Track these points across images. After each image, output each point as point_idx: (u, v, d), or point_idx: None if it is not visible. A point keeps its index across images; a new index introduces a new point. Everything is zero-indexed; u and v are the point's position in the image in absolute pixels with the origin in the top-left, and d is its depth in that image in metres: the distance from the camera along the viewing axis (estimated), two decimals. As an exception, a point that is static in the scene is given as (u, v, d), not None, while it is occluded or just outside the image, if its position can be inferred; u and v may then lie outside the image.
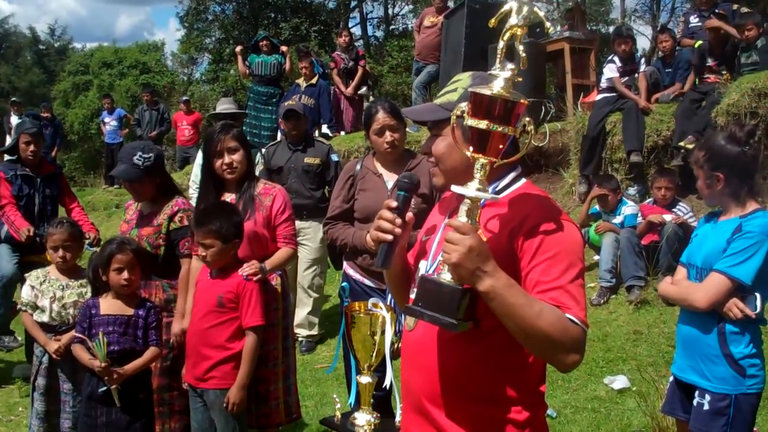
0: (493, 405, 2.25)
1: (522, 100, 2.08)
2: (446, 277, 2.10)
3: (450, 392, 2.27)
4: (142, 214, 4.87)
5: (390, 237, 2.26)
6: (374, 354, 3.58)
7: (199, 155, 8.58)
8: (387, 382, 3.44)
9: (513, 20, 2.10)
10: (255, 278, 4.27)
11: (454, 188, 2.14)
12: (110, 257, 4.37)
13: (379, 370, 3.60)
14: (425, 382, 2.29)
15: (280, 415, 4.71)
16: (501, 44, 2.12)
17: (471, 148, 2.13)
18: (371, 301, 3.70)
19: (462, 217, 2.11)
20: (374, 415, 3.59)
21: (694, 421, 3.65)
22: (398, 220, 2.27)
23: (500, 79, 2.08)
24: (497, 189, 2.31)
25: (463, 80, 2.34)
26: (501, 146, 2.11)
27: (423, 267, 2.37)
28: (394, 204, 2.28)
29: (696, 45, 9.73)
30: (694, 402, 3.67)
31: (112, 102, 19.08)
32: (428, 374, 2.28)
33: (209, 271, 4.35)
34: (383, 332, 3.55)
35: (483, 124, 2.06)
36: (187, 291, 4.62)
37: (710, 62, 9.24)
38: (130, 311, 4.41)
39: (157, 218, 4.79)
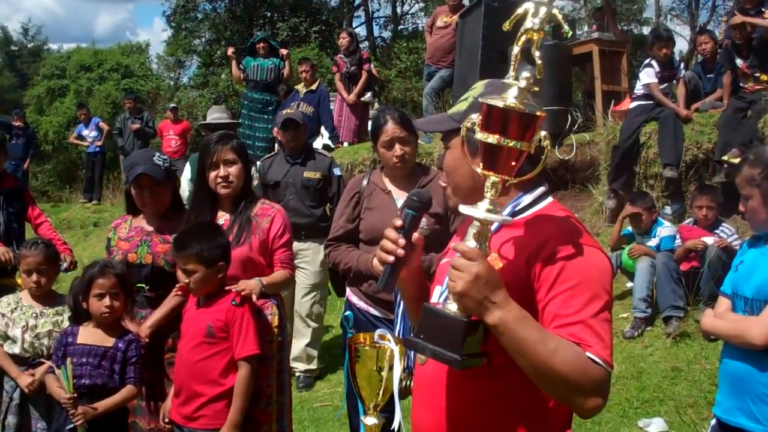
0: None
1: (538, 113, 2.05)
2: (452, 307, 2.09)
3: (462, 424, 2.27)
4: (146, 231, 4.81)
5: (392, 258, 2.27)
6: (381, 392, 3.53)
7: (187, 168, 8.63)
8: (395, 424, 3.40)
9: (529, 23, 2.09)
10: (250, 294, 4.28)
11: (462, 209, 2.14)
12: (91, 282, 4.35)
13: (387, 411, 3.56)
14: (435, 422, 2.29)
15: None
16: (516, 50, 2.10)
17: (481, 165, 2.12)
18: (378, 332, 3.64)
19: (470, 241, 2.09)
20: None
21: None
22: (402, 241, 2.28)
23: (514, 89, 2.07)
24: (518, 209, 2.30)
25: (477, 88, 2.37)
26: (514, 163, 2.09)
27: (436, 293, 2.39)
28: (399, 223, 2.30)
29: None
30: None
31: (89, 112, 19.12)
32: (439, 413, 2.28)
33: (196, 299, 4.32)
34: (391, 368, 3.50)
35: (493, 139, 2.05)
36: (170, 303, 4.61)
37: (740, 63, 9.22)
38: (110, 342, 4.38)
39: (171, 234, 4.72)
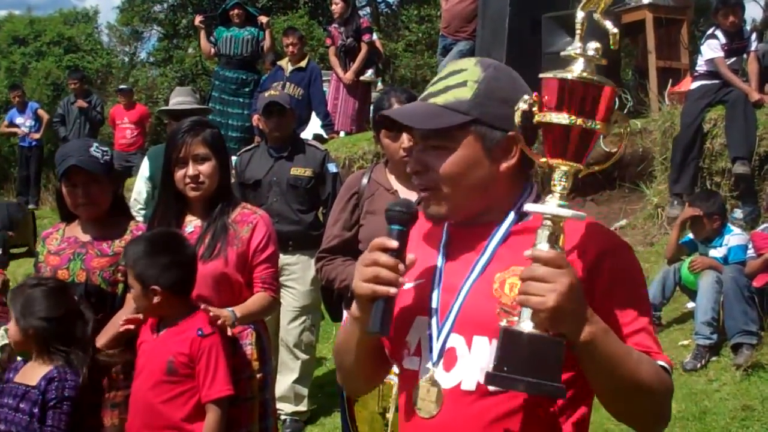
0: None
1: (611, 86, 2.14)
2: (527, 326, 2.08)
3: None
4: (80, 241, 4.71)
5: (394, 290, 2.19)
6: None
7: (145, 164, 8.63)
8: None
9: None
10: (224, 326, 4.22)
11: (530, 207, 2.19)
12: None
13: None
14: None
15: None
16: (581, 15, 2.17)
17: (547, 154, 2.19)
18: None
19: (543, 245, 2.11)
20: None
21: None
22: (401, 267, 2.23)
23: (580, 62, 2.13)
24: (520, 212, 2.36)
25: (470, 71, 2.35)
26: (588, 147, 2.17)
27: (433, 326, 2.34)
28: (395, 244, 2.21)
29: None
30: None
31: (24, 95, 18.91)
32: None
33: (152, 325, 4.27)
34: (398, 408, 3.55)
35: (566, 119, 2.11)
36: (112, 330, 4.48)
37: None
38: (34, 381, 4.27)
39: (110, 245, 4.68)
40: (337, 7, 13.57)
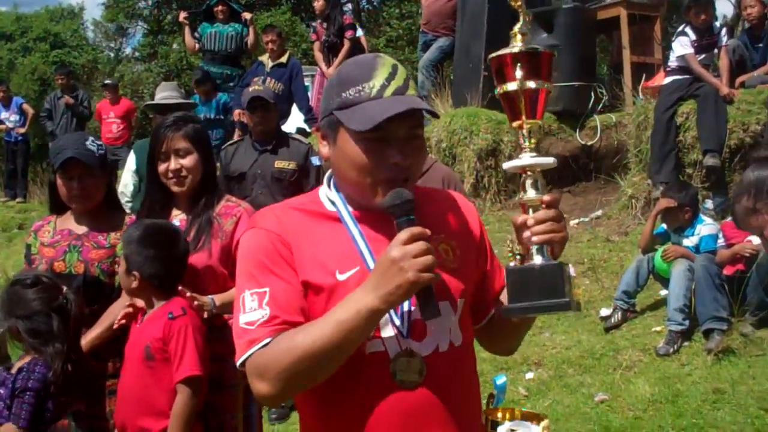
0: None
1: (548, 51, 2.46)
2: (538, 261, 2.36)
3: (472, 426, 2.55)
4: (75, 234, 4.69)
5: (438, 275, 2.25)
6: None
7: (131, 158, 8.65)
8: None
9: None
10: (200, 310, 4.24)
11: (508, 164, 2.46)
12: None
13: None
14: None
15: None
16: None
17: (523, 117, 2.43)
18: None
19: (531, 192, 2.39)
20: None
21: None
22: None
23: (519, 38, 2.43)
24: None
25: (401, 69, 2.46)
26: (540, 104, 2.43)
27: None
28: (427, 231, 2.24)
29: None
30: None
31: (9, 90, 18.67)
32: (452, 421, 2.42)
33: (142, 312, 4.34)
34: None
35: (534, 83, 2.39)
36: (108, 320, 4.52)
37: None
38: (14, 369, 4.33)
39: (106, 237, 4.67)
40: (318, 4, 13.60)
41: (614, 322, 8.34)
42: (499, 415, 3.42)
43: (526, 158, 2.40)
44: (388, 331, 2.36)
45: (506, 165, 2.50)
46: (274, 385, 2.26)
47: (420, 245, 2.17)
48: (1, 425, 4.22)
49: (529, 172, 2.40)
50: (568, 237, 2.42)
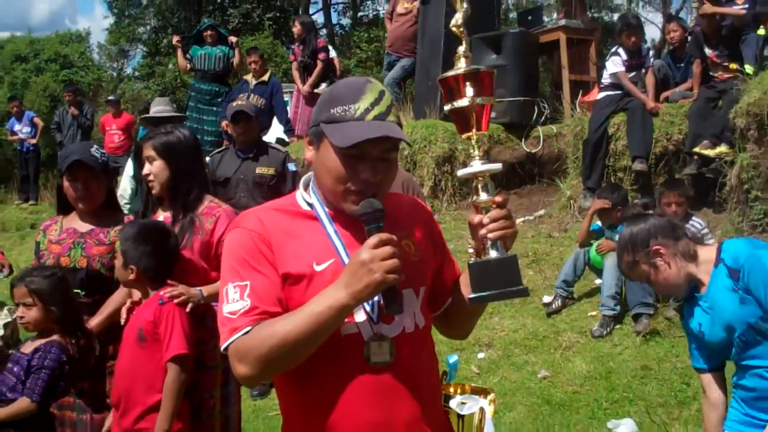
0: (441, 405, 2.69)
1: (489, 70, 2.49)
2: (493, 255, 2.41)
3: (434, 400, 2.58)
4: (79, 232, 4.72)
5: (401, 275, 2.27)
6: None
7: (129, 165, 8.62)
8: None
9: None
10: (176, 300, 4.20)
11: (462, 171, 2.48)
12: (11, 290, 4.44)
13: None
14: (415, 405, 2.44)
15: None
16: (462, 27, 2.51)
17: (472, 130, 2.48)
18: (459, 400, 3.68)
19: (483, 195, 2.44)
20: None
21: None
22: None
23: (462, 61, 2.46)
24: None
25: (386, 92, 2.48)
26: (485, 117, 2.48)
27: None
28: (394, 237, 2.27)
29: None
30: None
31: (21, 105, 18.55)
32: (417, 398, 2.44)
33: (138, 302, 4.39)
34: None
35: (466, 101, 2.43)
36: (109, 308, 4.60)
37: (709, 53, 9.50)
38: (28, 350, 4.44)
39: (106, 235, 4.69)
40: (296, 29, 13.56)
41: (555, 307, 8.37)
42: (452, 390, 3.49)
43: (477, 165, 2.44)
44: (360, 317, 2.39)
45: (460, 172, 2.54)
46: (254, 367, 2.28)
47: (387, 250, 2.21)
48: (14, 399, 4.30)
49: (479, 178, 2.44)
50: (518, 232, 2.48)
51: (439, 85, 2.52)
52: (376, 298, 2.35)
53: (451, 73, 2.44)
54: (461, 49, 2.46)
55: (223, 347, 2.35)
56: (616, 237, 7.92)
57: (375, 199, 2.34)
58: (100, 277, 4.64)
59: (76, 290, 4.63)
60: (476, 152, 2.46)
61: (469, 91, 2.41)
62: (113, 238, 4.63)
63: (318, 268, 2.38)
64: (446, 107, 2.49)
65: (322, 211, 2.48)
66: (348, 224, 2.45)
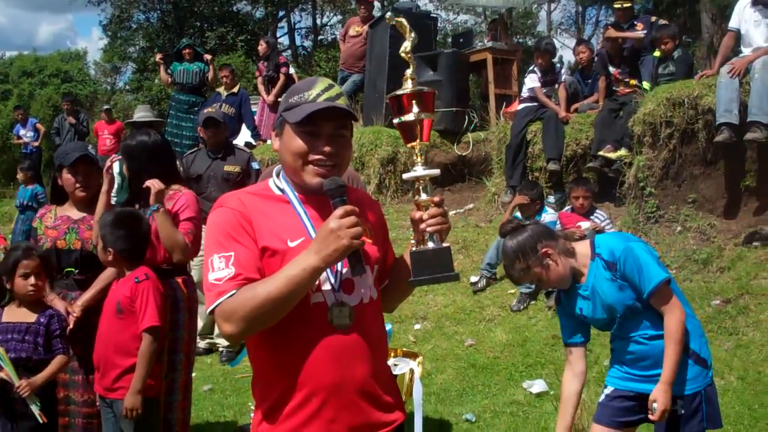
0: (388, 367, 2.69)
1: (430, 90, 2.54)
2: (431, 245, 2.46)
3: (384, 362, 2.63)
4: (72, 219, 4.75)
5: (364, 241, 2.35)
6: None
7: (117, 163, 8.51)
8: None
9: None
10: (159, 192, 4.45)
11: (407, 174, 2.51)
12: (16, 263, 4.32)
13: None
14: (369, 366, 2.46)
15: (158, 430, 4.52)
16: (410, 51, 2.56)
17: (416, 140, 2.51)
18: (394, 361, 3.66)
19: (424, 195, 2.49)
20: None
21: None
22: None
23: (409, 82, 2.50)
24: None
25: (336, 86, 2.51)
26: (427, 129, 2.52)
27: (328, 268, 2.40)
28: (350, 208, 2.30)
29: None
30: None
31: (25, 113, 18.54)
32: (371, 359, 2.47)
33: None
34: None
35: (412, 116, 2.47)
36: (99, 284, 4.61)
37: (613, 71, 9.60)
38: (32, 318, 4.37)
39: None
40: (261, 48, 13.51)
41: (480, 286, 8.39)
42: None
43: (419, 170, 2.49)
44: (326, 287, 2.42)
45: (405, 176, 2.55)
46: (238, 325, 2.29)
47: (352, 219, 2.26)
48: (40, 360, 4.33)
49: (421, 180, 2.50)
50: (451, 226, 2.53)
51: (389, 101, 2.56)
52: (339, 269, 2.43)
53: (400, 92, 2.48)
54: (408, 71, 2.49)
55: (209, 309, 2.33)
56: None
57: (337, 177, 2.40)
58: (91, 257, 4.64)
59: (69, 269, 4.72)
60: (419, 159, 2.51)
61: (415, 108, 2.46)
62: None
63: (291, 245, 2.40)
64: (395, 120, 2.53)
65: (292, 195, 2.50)
66: (316, 206, 2.47)
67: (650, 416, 3.55)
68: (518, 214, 8.32)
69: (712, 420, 3.62)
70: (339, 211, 2.26)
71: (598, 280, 3.66)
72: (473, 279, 8.53)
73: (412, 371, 3.66)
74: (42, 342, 4.33)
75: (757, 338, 6.48)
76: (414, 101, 2.46)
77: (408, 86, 2.48)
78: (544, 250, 3.66)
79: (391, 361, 3.62)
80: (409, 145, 2.53)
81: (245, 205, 2.44)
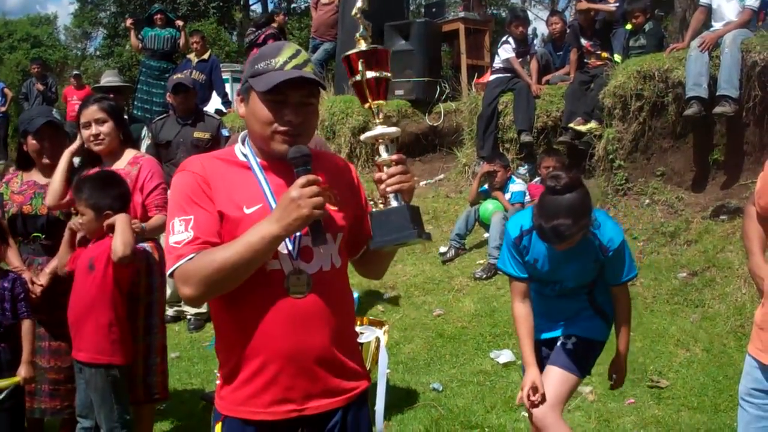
0: (352, 331, 2.65)
1: (385, 48, 2.47)
2: (394, 203, 2.36)
3: (347, 330, 2.57)
4: (39, 184, 4.67)
5: (327, 211, 2.33)
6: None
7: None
8: (379, 406, 3.46)
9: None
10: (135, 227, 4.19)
11: (366, 134, 2.42)
12: None
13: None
14: (328, 334, 2.43)
15: (139, 393, 4.51)
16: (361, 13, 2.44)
17: (371, 99, 2.43)
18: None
19: (384, 154, 2.39)
20: None
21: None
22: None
23: (363, 43, 2.41)
24: None
25: (303, 53, 2.46)
26: (385, 88, 2.44)
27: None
28: (312, 177, 2.27)
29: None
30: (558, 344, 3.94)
31: None
32: (331, 327, 2.43)
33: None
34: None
35: (377, 73, 2.39)
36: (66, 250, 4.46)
37: (585, 43, 9.56)
38: None
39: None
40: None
41: (449, 256, 8.38)
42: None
43: (378, 129, 2.40)
44: (284, 253, 2.38)
45: (363, 136, 2.50)
46: (197, 289, 2.29)
47: (314, 189, 2.23)
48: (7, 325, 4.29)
49: (380, 140, 2.40)
50: (415, 186, 2.43)
51: (343, 63, 2.46)
52: (297, 236, 2.38)
53: (351, 51, 2.39)
54: (359, 33, 2.40)
55: (168, 272, 2.33)
56: (507, 196, 8.00)
57: (303, 145, 2.36)
58: (57, 222, 4.59)
59: (36, 234, 4.66)
60: (376, 119, 2.42)
61: (366, 67, 2.37)
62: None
63: (247, 211, 2.37)
64: (350, 81, 2.45)
65: (254, 162, 2.45)
66: (279, 173, 2.43)
67: (527, 399, 3.73)
68: (486, 185, 8.32)
69: (587, 369, 3.95)
70: (301, 179, 2.24)
71: (583, 250, 3.66)
72: (442, 249, 8.51)
73: (378, 339, 3.63)
74: (9, 307, 4.27)
75: (722, 311, 6.51)
76: (363, 60, 2.37)
77: (362, 47, 2.39)
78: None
79: (357, 329, 3.58)
80: (365, 106, 2.45)
81: (206, 168, 2.42)
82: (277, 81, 2.30)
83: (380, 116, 2.43)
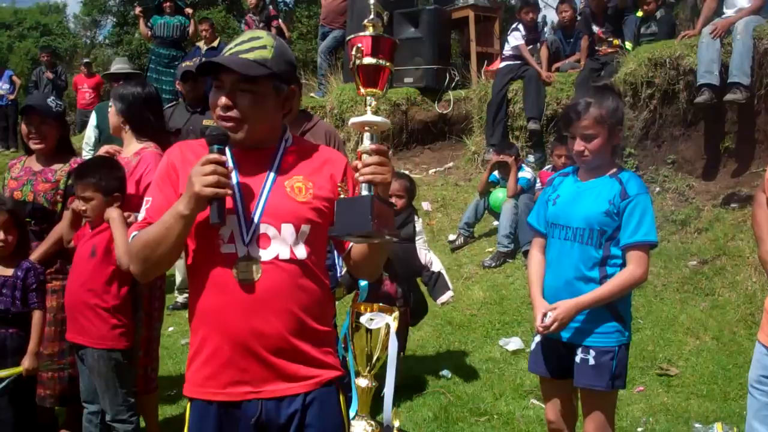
0: (322, 323, 2.51)
1: (392, 38, 2.40)
2: (364, 192, 2.30)
3: (310, 320, 2.46)
4: (33, 171, 4.68)
5: (230, 192, 2.31)
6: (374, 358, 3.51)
7: (93, 116, 8.37)
8: (388, 391, 3.43)
9: None
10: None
11: (354, 119, 2.37)
12: None
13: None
14: (283, 322, 2.40)
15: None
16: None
17: (363, 87, 2.38)
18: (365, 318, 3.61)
19: (367, 143, 2.34)
20: (373, 425, 3.47)
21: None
22: (232, 171, 2.37)
23: (371, 29, 2.36)
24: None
25: (265, 38, 2.44)
26: (383, 77, 2.38)
27: (242, 221, 2.41)
28: (224, 158, 2.30)
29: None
30: (578, 359, 3.64)
31: (1, 64, 18.34)
32: (288, 316, 2.40)
33: (89, 227, 4.14)
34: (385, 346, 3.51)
35: (376, 61, 2.34)
36: (54, 237, 4.48)
37: (596, 30, 9.51)
38: (9, 272, 4.29)
39: (53, 174, 4.64)
40: (251, 0, 13.43)
41: (458, 244, 8.38)
42: (362, 308, 3.55)
43: (368, 116, 2.35)
44: (237, 238, 2.39)
45: (350, 121, 2.44)
46: (134, 264, 2.43)
47: (208, 167, 2.24)
48: (18, 313, 4.30)
49: (367, 128, 2.35)
50: (391, 181, 2.35)
51: (348, 46, 2.43)
52: (256, 221, 2.38)
53: (351, 36, 2.38)
54: (367, 19, 2.36)
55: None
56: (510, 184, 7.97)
57: (218, 126, 2.36)
58: (44, 210, 4.60)
59: (27, 219, 4.62)
60: (369, 107, 2.37)
61: (369, 54, 2.33)
62: (58, 177, 4.64)
63: None
64: (357, 62, 2.37)
65: (228, 149, 2.42)
66: (240, 158, 2.44)
67: (538, 325, 3.58)
68: (496, 173, 8.30)
69: (619, 378, 3.61)
70: (202, 159, 2.27)
71: (598, 187, 3.61)
72: (451, 237, 8.51)
73: (388, 326, 3.62)
74: (20, 296, 4.28)
75: (732, 299, 6.49)
76: (368, 47, 2.33)
77: (368, 32, 2.35)
78: (620, 126, 3.62)
79: (367, 316, 3.58)
80: (362, 92, 2.39)
81: (179, 154, 2.48)
82: (195, 65, 2.32)
83: (373, 105, 2.37)
